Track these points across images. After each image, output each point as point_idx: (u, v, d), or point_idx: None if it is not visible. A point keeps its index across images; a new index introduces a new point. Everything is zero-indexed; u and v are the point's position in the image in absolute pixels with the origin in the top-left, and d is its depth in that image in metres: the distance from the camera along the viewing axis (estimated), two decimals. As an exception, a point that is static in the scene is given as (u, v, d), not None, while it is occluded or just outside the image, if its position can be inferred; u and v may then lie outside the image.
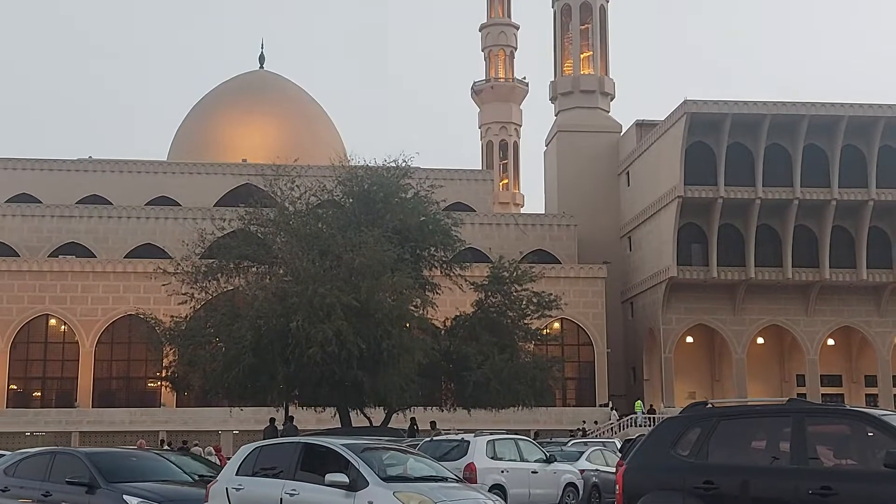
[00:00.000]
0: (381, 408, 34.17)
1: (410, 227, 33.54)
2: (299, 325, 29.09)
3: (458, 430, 46.99)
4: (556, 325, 62.59)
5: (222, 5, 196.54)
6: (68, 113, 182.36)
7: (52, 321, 60.69)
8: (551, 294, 35.21)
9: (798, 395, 69.14)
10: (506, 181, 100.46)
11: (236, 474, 13.42)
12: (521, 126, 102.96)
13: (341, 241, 31.45)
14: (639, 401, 65.03)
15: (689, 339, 68.95)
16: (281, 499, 12.57)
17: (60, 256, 63.36)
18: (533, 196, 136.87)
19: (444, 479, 12.95)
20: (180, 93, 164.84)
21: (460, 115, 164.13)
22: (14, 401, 60.02)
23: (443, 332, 35.03)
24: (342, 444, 12.91)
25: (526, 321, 35.53)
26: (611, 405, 63.69)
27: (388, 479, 12.36)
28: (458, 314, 35.93)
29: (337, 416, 34.65)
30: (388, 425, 34.06)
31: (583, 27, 78.02)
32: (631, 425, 58.35)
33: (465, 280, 35.49)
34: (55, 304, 59.95)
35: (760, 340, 68.50)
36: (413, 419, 35.61)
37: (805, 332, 67.12)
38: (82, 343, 59.88)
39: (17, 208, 66.30)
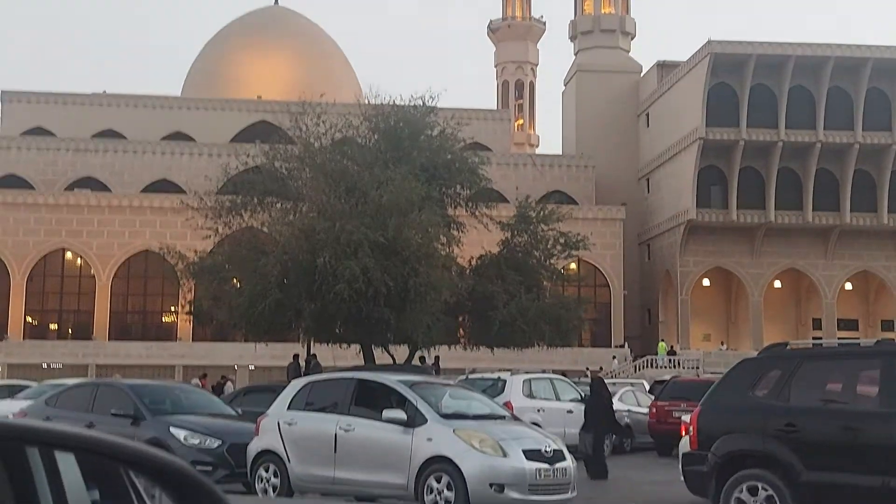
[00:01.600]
0: (405, 346, 33.94)
1: (438, 164, 33.00)
2: (326, 261, 28.70)
3: (471, 369, 46.97)
4: (573, 266, 62.23)
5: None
6: (82, 46, 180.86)
7: (69, 255, 60.57)
8: (578, 234, 34.81)
9: (814, 338, 69.07)
10: (521, 122, 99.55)
11: (288, 409, 13.18)
12: (537, 66, 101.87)
13: (368, 177, 30.94)
14: (662, 342, 64.89)
15: (706, 282, 68.68)
16: (336, 434, 12.33)
17: (76, 190, 63.04)
18: (548, 137, 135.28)
19: (502, 418, 12.69)
20: (195, 27, 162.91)
21: (474, 54, 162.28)
22: (31, 333, 60.12)
23: (468, 271, 34.68)
24: (398, 381, 12.64)
25: (552, 261, 35.16)
26: (626, 345, 63.51)
27: (446, 416, 12.10)
28: (483, 253, 35.56)
29: (358, 353, 34.46)
30: (411, 363, 33.86)
31: (604, -36, 76.69)
32: (647, 367, 58.25)
33: (490, 219, 35.02)
34: (71, 237, 59.75)
35: (777, 284, 68.22)
36: (437, 357, 35.43)
37: (823, 276, 66.82)
38: (98, 277, 59.78)
39: (32, 141, 65.84)
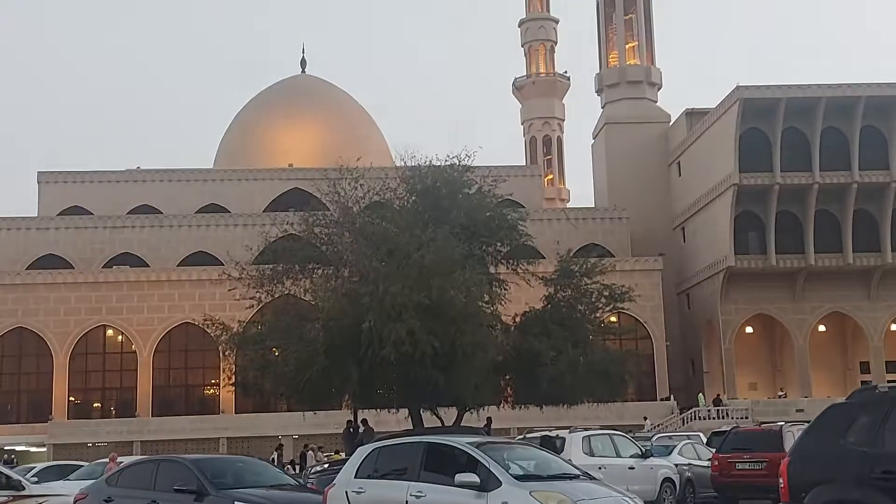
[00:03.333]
0: (453, 407, 33.50)
1: (478, 222, 32.83)
2: (372, 325, 28.48)
3: (518, 428, 46.23)
4: (613, 318, 61.59)
5: (264, 11, 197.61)
6: (115, 124, 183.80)
7: (110, 332, 60.77)
8: (623, 286, 34.43)
9: (862, 383, 67.83)
10: (550, 177, 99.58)
11: (355, 477, 12.88)
12: (563, 121, 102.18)
13: (409, 239, 30.79)
14: (700, 393, 63.98)
15: (749, 330, 67.83)
16: (406, 501, 12.01)
17: (115, 267, 63.46)
18: (578, 190, 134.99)
19: (577, 477, 12.33)
20: (224, 99, 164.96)
21: (501, 111, 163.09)
22: (74, 412, 60.14)
23: (513, 328, 34.32)
24: (468, 443, 12.32)
25: (597, 315, 34.75)
26: (671, 397, 62.52)
27: (519, 477, 11.76)
28: (527, 310, 35.20)
29: (406, 417, 34.05)
30: (460, 424, 33.38)
31: (627, 17, 77.14)
32: (694, 419, 57.29)
33: (532, 275, 34.74)
34: (112, 314, 60.03)
35: (822, 328, 67.21)
36: (489, 419, 34.95)
37: (868, 319, 65.76)
38: (140, 352, 59.89)
39: (69, 220, 66.58)
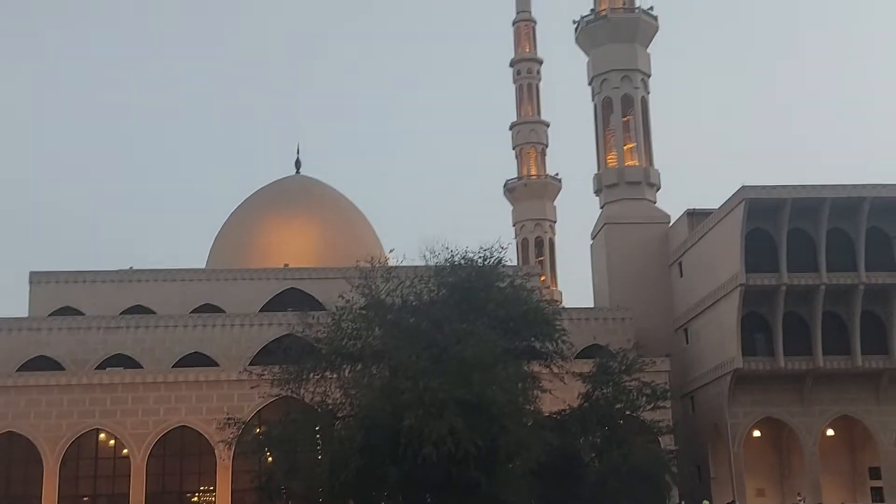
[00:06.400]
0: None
1: (514, 316, 31.82)
2: (412, 423, 27.11)
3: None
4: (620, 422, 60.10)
5: (259, 111, 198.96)
6: (108, 224, 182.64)
7: (102, 435, 58.33)
8: (665, 383, 33.33)
9: (872, 489, 66.27)
10: (543, 278, 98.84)
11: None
12: (555, 222, 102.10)
13: (447, 332, 29.67)
14: (706, 501, 62.14)
15: (757, 433, 66.30)
16: None
17: (108, 368, 61.45)
18: (570, 292, 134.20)
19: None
20: (218, 200, 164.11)
21: (492, 212, 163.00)
22: (63, 521, 57.35)
23: (552, 427, 33.01)
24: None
25: (636, 413, 33.57)
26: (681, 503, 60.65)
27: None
28: (565, 408, 33.95)
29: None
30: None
31: (624, 119, 77.45)
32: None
33: (567, 372, 33.63)
34: (105, 417, 57.77)
35: (830, 432, 65.79)
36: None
37: (877, 423, 64.39)
38: (133, 457, 57.45)
39: (62, 321, 64.81)
